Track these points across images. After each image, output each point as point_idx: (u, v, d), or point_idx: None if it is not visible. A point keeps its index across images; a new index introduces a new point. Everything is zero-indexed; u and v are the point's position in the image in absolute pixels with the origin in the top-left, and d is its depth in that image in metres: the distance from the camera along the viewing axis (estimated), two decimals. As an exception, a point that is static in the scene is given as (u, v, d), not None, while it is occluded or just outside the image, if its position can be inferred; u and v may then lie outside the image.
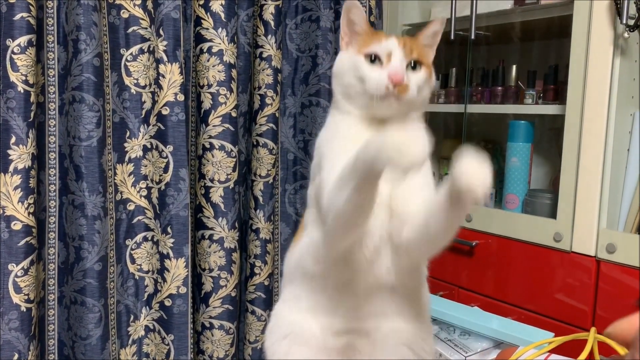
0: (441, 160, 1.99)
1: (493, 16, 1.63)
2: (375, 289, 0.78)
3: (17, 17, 1.20)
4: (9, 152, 1.22)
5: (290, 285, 0.85)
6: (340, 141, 0.79)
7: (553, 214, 1.42)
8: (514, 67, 1.67)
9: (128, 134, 1.43)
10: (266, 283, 1.65)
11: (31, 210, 1.24)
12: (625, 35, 1.26)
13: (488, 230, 1.56)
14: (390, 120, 0.78)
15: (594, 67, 1.31)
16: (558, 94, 1.53)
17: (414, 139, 0.60)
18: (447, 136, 1.99)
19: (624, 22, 1.24)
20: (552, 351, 0.98)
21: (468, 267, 1.62)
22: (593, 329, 0.91)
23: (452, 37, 1.62)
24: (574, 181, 1.35)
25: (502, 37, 1.81)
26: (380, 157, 0.60)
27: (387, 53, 0.77)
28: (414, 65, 0.79)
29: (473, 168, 0.62)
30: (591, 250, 1.33)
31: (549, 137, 1.70)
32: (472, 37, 1.58)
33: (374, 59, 0.78)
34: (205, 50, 1.48)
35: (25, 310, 1.24)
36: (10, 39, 1.20)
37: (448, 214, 0.67)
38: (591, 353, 0.89)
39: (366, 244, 0.75)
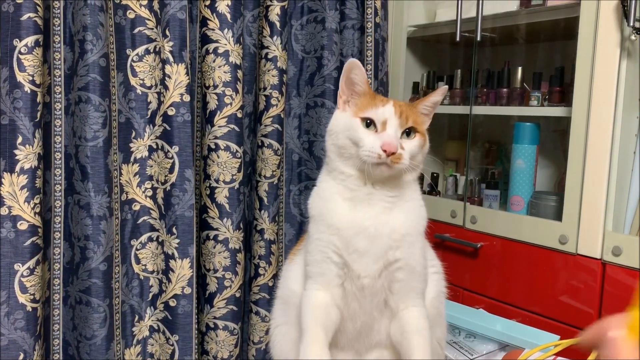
0: (446, 161, 1.99)
1: (499, 18, 1.62)
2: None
3: (24, 17, 1.20)
4: (16, 152, 1.22)
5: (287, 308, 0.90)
6: (321, 227, 0.83)
7: (558, 216, 1.42)
8: (520, 68, 1.67)
9: (134, 134, 1.44)
10: (270, 284, 1.65)
11: (37, 210, 1.24)
12: (632, 37, 1.26)
13: (493, 232, 1.56)
14: (383, 183, 0.81)
15: (601, 69, 1.30)
16: (564, 96, 1.52)
17: None
18: (452, 137, 1.99)
19: (631, 24, 1.23)
20: (558, 354, 0.98)
21: (473, 269, 1.61)
22: (600, 332, 0.91)
23: (458, 39, 1.62)
24: (580, 183, 1.35)
25: (508, 39, 1.81)
26: None
27: (382, 120, 0.79)
28: (409, 132, 0.81)
29: None
30: (597, 253, 1.33)
31: (554, 139, 1.69)
32: (478, 38, 1.58)
33: (369, 123, 0.80)
34: (211, 51, 1.48)
35: (30, 310, 1.24)
36: (17, 39, 1.20)
37: None
38: (597, 357, 0.88)
39: (358, 317, 0.83)
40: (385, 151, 0.76)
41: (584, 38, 1.34)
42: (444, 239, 1.66)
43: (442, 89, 0.87)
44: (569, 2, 1.43)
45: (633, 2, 1.22)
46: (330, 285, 0.81)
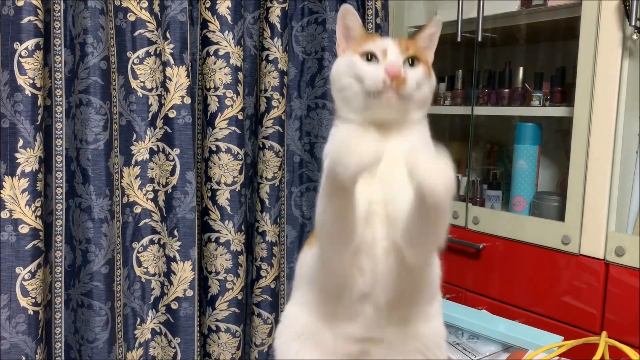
0: (447, 162, 1.98)
1: (500, 18, 1.62)
2: (396, 298, 0.76)
3: (25, 20, 1.20)
4: (17, 155, 1.22)
5: (302, 289, 0.84)
6: None
7: (561, 217, 1.41)
8: (521, 69, 1.67)
9: (135, 137, 1.43)
10: (272, 286, 1.64)
11: (38, 213, 1.24)
12: (634, 37, 1.25)
13: (495, 232, 1.56)
14: (392, 124, 0.76)
15: (602, 69, 1.30)
16: (565, 96, 1.52)
17: (365, 140, 0.58)
18: (454, 138, 1.98)
19: (633, 24, 1.23)
20: (562, 355, 0.97)
21: (475, 270, 1.61)
22: (604, 333, 0.91)
23: (459, 39, 1.61)
24: (582, 183, 1.35)
25: (509, 39, 1.80)
26: (332, 162, 0.59)
27: (382, 50, 0.76)
28: (412, 62, 0.77)
29: (433, 166, 0.59)
30: (600, 253, 1.32)
31: (556, 139, 1.69)
32: (479, 39, 1.57)
33: (370, 57, 0.76)
34: (211, 53, 1.48)
35: (32, 313, 1.24)
36: (17, 43, 1.20)
37: (424, 218, 0.65)
38: (602, 357, 0.88)
39: (369, 255, 0.74)
40: (388, 74, 0.72)
41: (586, 38, 1.34)
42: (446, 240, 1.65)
43: (435, 19, 0.83)
44: (570, 2, 1.43)
45: (634, 1, 1.22)
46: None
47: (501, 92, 1.68)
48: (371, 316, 0.76)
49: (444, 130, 2.00)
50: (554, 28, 1.63)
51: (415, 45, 0.80)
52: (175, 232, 1.45)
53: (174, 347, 1.47)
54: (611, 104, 1.29)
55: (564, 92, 1.52)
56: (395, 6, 1.88)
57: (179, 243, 1.45)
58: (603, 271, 1.32)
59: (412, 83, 0.74)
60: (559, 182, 1.69)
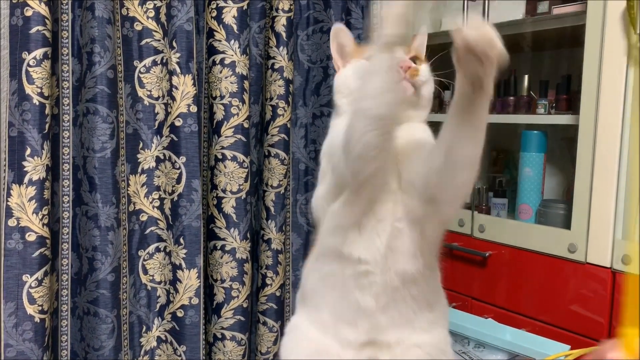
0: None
1: (505, 26, 1.62)
2: (394, 288, 0.77)
3: (33, 30, 1.21)
4: (24, 163, 1.23)
5: (308, 297, 0.85)
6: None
7: (567, 225, 1.41)
8: (526, 77, 1.66)
9: (141, 145, 1.44)
10: (278, 294, 1.64)
11: (45, 221, 1.25)
12: (639, 44, 1.25)
13: (501, 240, 1.55)
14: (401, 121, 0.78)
15: (608, 76, 1.30)
16: (571, 103, 1.52)
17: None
18: (459, 146, 1.98)
19: (638, 31, 1.23)
20: (569, 364, 0.97)
21: (481, 278, 1.60)
22: (611, 342, 0.90)
23: (464, 47, 1.62)
24: (588, 191, 1.34)
25: (514, 47, 1.80)
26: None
27: None
28: (415, 62, 0.83)
29: (478, 23, 0.61)
30: (606, 262, 1.31)
31: (561, 147, 1.69)
32: (484, 47, 1.58)
33: None
34: (217, 62, 1.49)
35: (39, 321, 1.25)
36: (26, 52, 1.21)
37: (469, 114, 0.66)
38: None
39: (375, 229, 0.75)
40: (402, 67, 0.77)
41: (591, 46, 1.34)
42: (452, 248, 1.65)
43: (422, 29, 0.90)
44: (574, 10, 1.43)
45: None
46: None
47: (507, 100, 1.68)
48: (370, 313, 0.77)
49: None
50: (559, 36, 1.63)
51: (413, 48, 0.87)
52: (181, 240, 1.45)
53: (180, 355, 1.47)
54: (617, 112, 1.29)
55: (570, 100, 1.52)
56: (400, 15, 1.89)
57: (184, 251, 1.45)
58: (610, 279, 1.31)
59: (424, 72, 0.81)
60: (565, 190, 1.68)
